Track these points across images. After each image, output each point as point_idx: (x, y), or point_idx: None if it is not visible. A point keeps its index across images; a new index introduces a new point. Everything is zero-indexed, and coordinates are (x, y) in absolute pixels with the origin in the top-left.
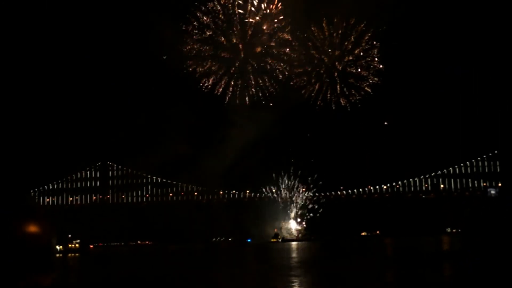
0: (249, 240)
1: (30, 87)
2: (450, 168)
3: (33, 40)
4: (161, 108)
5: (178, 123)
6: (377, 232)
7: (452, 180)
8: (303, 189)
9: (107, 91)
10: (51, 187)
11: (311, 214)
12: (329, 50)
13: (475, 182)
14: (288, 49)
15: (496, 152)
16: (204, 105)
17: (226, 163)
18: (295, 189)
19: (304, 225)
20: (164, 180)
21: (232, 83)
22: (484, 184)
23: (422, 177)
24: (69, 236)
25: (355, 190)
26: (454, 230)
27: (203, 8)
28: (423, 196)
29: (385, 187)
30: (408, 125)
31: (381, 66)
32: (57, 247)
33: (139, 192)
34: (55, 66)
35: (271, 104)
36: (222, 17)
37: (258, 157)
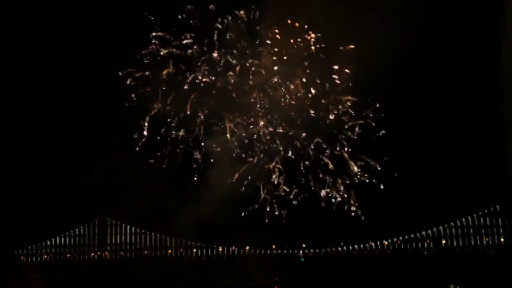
0: None
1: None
2: (452, 223)
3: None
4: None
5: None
6: None
7: (454, 235)
8: (303, 245)
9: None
10: (48, 243)
11: (311, 270)
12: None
13: (477, 237)
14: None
15: (497, 207)
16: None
17: (209, 213)
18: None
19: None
20: (160, 235)
21: None
22: (486, 239)
23: (423, 232)
24: None
25: (355, 246)
26: (457, 287)
27: None
28: (425, 252)
29: (386, 242)
30: (408, 180)
31: None
32: None
33: (137, 246)
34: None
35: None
36: None
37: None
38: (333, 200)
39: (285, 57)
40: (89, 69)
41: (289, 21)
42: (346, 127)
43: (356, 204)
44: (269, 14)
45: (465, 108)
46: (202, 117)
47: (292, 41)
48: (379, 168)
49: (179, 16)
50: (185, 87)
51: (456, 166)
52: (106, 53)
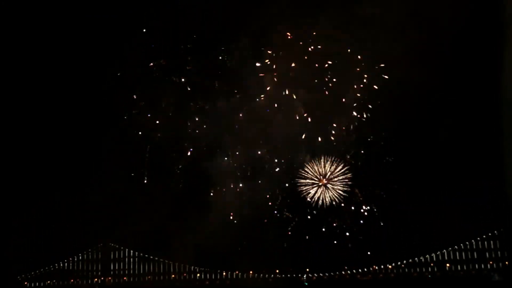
0: None
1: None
2: (456, 247)
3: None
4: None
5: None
6: None
7: (458, 259)
8: (307, 269)
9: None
10: (52, 268)
11: None
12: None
13: (481, 260)
14: None
15: (502, 230)
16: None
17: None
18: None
19: None
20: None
21: None
22: (491, 262)
23: (427, 256)
24: None
25: (359, 270)
26: None
27: None
28: (429, 276)
29: (390, 266)
30: (412, 203)
31: None
32: None
33: (140, 271)
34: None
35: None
36: None
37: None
38: (335, 225)
39: (287, 80)
40: (92, 99)
41: (291, 41)
42: (349, 156)
43: (360, 229)
44: (272, 39)
45: (467, 131)
46: (204, 143)
47: (294, 64)
48: (384, 196)
49: (182, 46)
50: (187, 113)
51: (460, 189)
52: (111, 80)
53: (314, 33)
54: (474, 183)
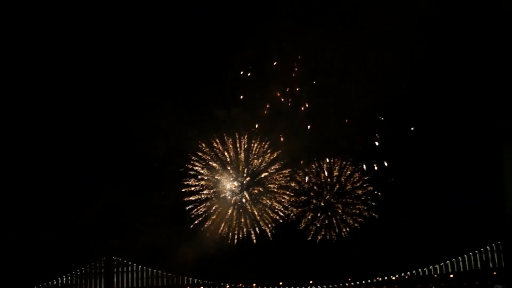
0: None
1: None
2: (459, 258)
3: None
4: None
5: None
6: None
7: (461, 270)
8: (310, 281)
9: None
10: (55, 283)
11: None
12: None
13: (485, 271)
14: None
15: (504, 240)
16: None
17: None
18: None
19: None
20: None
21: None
22: (495, 273)
23: (431, 267)
24: None
25: (363, 281)
26: None
27: None
28: (433, 287)
29: (393, 278)
30: (415, 214)
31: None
32: None
33: (143, 285)
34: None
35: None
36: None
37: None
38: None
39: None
40: (95, 118)
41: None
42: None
43: (363, 240)
44: (274, 51)
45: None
46: (205, 156)
47: (294, 75)
48: (387, 207)
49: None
50: (188, 127)
51: (464, 199)
52: (112, 98)
53: (317, 43)
54: (479, 191)
